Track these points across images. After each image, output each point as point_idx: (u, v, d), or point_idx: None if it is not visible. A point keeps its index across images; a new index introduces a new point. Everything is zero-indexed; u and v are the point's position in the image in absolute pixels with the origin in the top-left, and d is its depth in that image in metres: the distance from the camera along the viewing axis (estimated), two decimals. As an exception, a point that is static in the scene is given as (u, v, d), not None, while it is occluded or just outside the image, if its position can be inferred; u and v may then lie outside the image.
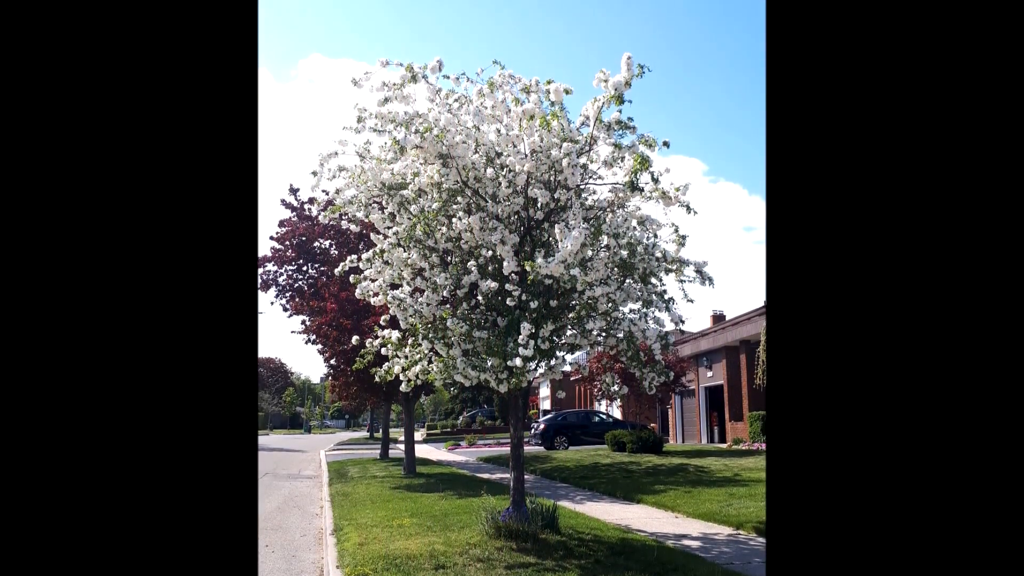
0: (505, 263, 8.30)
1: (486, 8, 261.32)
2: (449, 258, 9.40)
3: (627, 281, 9.01)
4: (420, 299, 9.22)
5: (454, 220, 8.92)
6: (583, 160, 8.50)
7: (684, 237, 9.10)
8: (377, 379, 10.05)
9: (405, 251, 9.30)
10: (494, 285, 8.54)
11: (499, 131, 8.79)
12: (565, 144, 7.99)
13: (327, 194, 11.21)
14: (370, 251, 9.59)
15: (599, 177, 8.94)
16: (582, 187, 8.86)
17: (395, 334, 9.98)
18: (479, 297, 9.17)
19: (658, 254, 9.07)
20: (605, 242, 8.34)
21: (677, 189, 8.23)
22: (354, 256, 10.10)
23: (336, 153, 9.26)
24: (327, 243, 23.94)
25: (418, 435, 46.73)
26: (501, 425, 56.73)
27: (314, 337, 21.88)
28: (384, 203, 9.38)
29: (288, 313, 24.81)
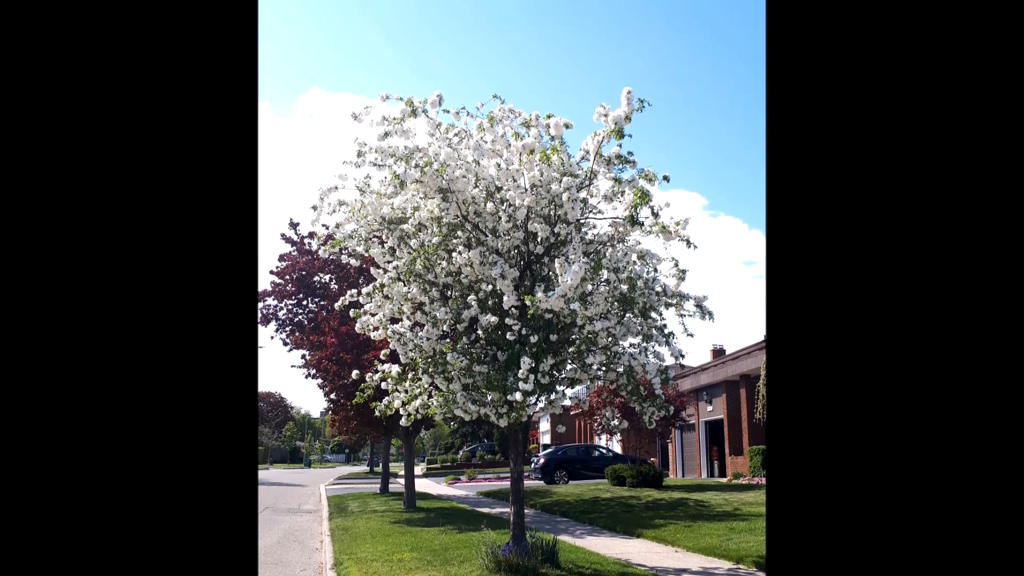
0: (505, 297, 8.30)
1: (486, 43, 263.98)
2: (449, 292, 9.41)
3: (627, 315, 9.01)
4: (420, 333, 9.22)
5: (454, 254, 8.94)
6: (583, 194, 8.54)
7: (684, 271, 9.12)
8: (377, 413, 10.04)
9: (405, 285, 9.31)
10: (494, 319, 8.54)
11: (499, 165, 8.84)
12: (565, 178, 8.02)
13: (327, 228, 11.28)
14: (370, 285, 9.61)
15: (599, 211, 8.98)
16: (582, 221, 8.89)
17: (395, 368, 9.97)
18: (479, 331, 9.17)
19: (658, 288, 9.08)
20: (605, 276, 8.35)
21: (677, 223, 8.27)
22: (354, 290, 10.12)
23: (336, 187, 9.28)
24: (327, 277, 24.04)
25: (418, 469, 46.45)
26: (501, 459, 56.41)
27: (314, 371, 21.89)
28: (384, 237, 9.40)
29: (288, 347, 24.86)
